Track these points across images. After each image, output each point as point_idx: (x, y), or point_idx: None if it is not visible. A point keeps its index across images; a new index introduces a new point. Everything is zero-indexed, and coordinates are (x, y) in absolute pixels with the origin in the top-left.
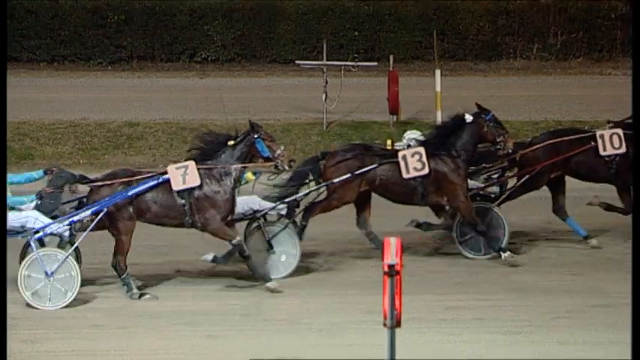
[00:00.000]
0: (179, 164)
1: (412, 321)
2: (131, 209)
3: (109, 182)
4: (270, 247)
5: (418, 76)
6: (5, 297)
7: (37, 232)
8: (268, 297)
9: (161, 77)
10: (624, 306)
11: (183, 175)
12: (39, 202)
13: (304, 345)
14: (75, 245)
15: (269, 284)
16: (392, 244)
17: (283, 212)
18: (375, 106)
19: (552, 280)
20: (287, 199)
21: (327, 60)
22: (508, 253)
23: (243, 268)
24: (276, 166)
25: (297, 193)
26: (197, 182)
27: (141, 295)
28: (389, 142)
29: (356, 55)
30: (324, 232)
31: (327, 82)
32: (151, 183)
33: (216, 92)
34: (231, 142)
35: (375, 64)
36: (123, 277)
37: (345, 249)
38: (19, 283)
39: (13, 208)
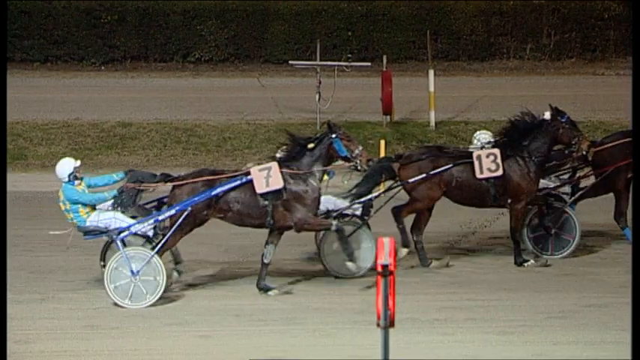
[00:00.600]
0: (262, 166)
1: (406, 321)
2: (206, 212)
3: (192, 181)
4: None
5: (412, 76)
6: (5, 297)
7: (121, 232)
8: (262, 297)
9: (154, 77)
10: (617, 306)
11: (267, 178)
12: (117, 194)
13: (298, 345)
14: (160, 245)
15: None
16: (385, 245)
17: (358, 212)
18: (369, 106)
19: (545, 279)
20: (362, 199)
21: (321, 60)
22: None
23: (235, 269)
24: (354, 166)
25: (370, 193)
26: (280, 185)
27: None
28: (382, 142)
29: (349, 56)
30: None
31: (320, 83)
32: (234, 183)
33: (210, 92)
34: (310, 145)
35: (369, 64)
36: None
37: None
38: (106, 274)
39: (94, 208)
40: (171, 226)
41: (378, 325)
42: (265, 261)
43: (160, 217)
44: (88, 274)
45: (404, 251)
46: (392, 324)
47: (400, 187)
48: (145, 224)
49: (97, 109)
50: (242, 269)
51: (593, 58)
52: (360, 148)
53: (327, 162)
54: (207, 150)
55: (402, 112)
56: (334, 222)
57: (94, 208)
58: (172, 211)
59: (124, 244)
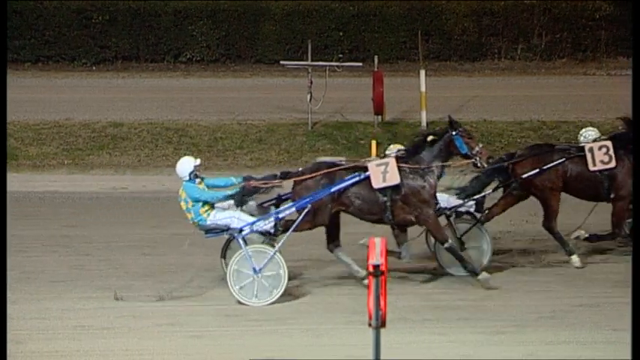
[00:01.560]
0: (380, 161)
1: (397, 321)
2: (330, 206)
3: (312, 175)
4: (462, 243)
5: (403, 76)
6: (5, 297)
7: (242, 230)
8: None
9: (146, 77)
10: (609, 305)
11: (384, 173)
12: (239, 192)
13: (290, 345)
14: (282, 242)
15: (480, 277)
16: (377, 245)
17: (471, 209)
18: (360, 107)
19: (537, 280)
20: (476, 196)
21: (312, 60)
22: None
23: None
24: (474, 164)
25: (482, 191)
26: (397, 181)
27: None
28: (373, 143)
29: (341, 56)
30: (309, 233)
31: (311, 83)
32: (353, 179)
33: (201, 92)
34: (430, 138)
35: (360, 64)
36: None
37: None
38: (228, 275)
39: (213, 207)
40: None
41: (370, 325)
42: (404, 260)
43: (280, 215)
44: (79, 274)
45: (575, 259)
46: (383, 324)
47: (515, 184)
48: (266, 221)
49: (89, 110)
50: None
51: (584, 58)
52: (480, 145)
53: (447, 158)
54: (198, 150)
55: (394, 112)
56: (450, 241)
57: (212, 207)
58: (292, 209)
59: (245, 242)
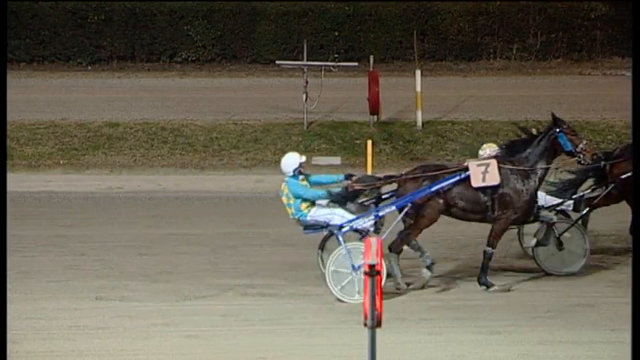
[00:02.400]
0: (481, 161)
1: (393, 321)
2: (441, 200)
3: (415, 176)
4: (560, 243)
5: (398, 76)
6: (5, 297)
7: (342, 226)
8: (248, 297)
9: (141, 77)
10: (605, 305)
11: (484, 173)
12: (342, 192)
13: (285, 345)
14: (383, 238)
15: (492, 288)
16: (372, 245)
17: (569, 209)
18: (356, 106)
19: (532, 279)
20: (574, 195)
21: (308, 60)
22: None
23: (222, 269)
24: (578, 161)
25: (577, 190)
26: (496, 181)
27: (431, 264)
28: (369, 143)
29: (336, 56)
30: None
31: (307, 83)
32: (454, 179)
33: (197, 92)
34: (534, 134)
35: (356, 64)
36: (412, 244)
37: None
38: (327, 277)
39: (314, 204)
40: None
41: (365, 324)
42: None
43: (380, 213)
44: (75, 274)
45: None
46: (379, 324)
47: (612, 185)
48: (366, 220)
49: (84, 109)
50: (228, 269)
51: (579, 58)
52: (585, 142)
53: (551, 157)
54: (194, 150)
55: (389, 112)
56: (489, 249)
57: (313, 203)
58: (392, 207)
59: (344, 240)
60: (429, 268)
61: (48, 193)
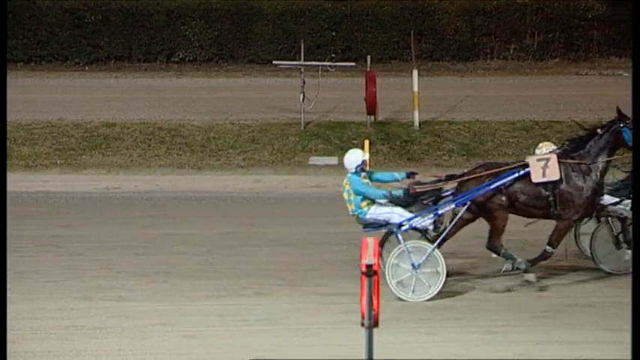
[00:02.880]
0: (541, 156)
1: (390, 321)
2: (503, 197)
3: (477, 175)
4: (618, 242)
5: (396, 76)
6: (5, 297)
7: (401, 225)
8: (245, 297)
9: (138, 77)
10: (601, 305)
11: (544, 168)
12: (402, 194)
13: (281, 345)
14: (440, 239)
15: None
16: (370, 245)
17: (627, 208)
18: (353, 106)
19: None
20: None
21: (305, 60)
22: None
23: (220, 269)
24: None
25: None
26: (556, 176)
27: (527, 269)
28: (366, 143)
29: (333, 56)
30: (299, 232)
31: (304, 83)
32: (514, 175)
33: (194, 92)
34: (599, 131)
35: (353, 64)
36: (502, 252)
37: (321, 249)
38: (386, 272)
39: (373, 202)
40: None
41: (363, 324)
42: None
43: (440, 211)
44: (72, 274)
45: None
46: (376, 324)
47: None
48: (425, 218)
49: (81, 109)
50: (225, 269)
51: (576, 58)
52: None
53: (613, 152)
54: (191, 150)
55: (386, 112)
56: (549, 248)
57: (373, 201)
58: (452, 205)
59: (404, 238)
60: (527, 271)
61: (45, 193)
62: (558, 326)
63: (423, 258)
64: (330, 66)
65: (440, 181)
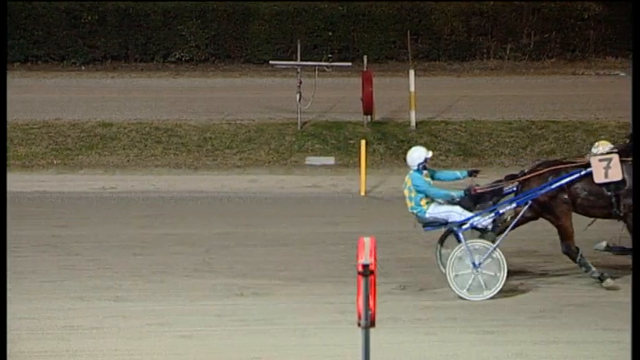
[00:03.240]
0: (603, 156)
1: (387, 321)
2: (566, 195)
3: (538, 174)
4: None
5: (392, 76)
6: (5, 297)
7: (462, 224)
8: (242, 297)
9: (135, 77)
10: (598, 305)
11: (606, 169)
12: (463, 195)
13: (279, 345)
14: (502, 238)
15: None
16: (366, 244)
17: None
18: (349, 106)
19: (526, 279)
20: None
21: (301, 60)
22: None
23: (217, 269)
24: None
25: None
26: (619, 177)
27: (602, 277)
28: (363, 142)
29: (330, 56)
30: (296, 232)
31: (301, 82)
32: (576, 175)
33: (190, 92)
34: None
35: (349, 64)
36: (578, 259)
37: (318, 249)
38: (447, 273)
39: (432, 200)
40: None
41: (359, 324)
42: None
43: (501, 210)
44: (69, 274)
45: None
46: (373, 324)
47: None
48: (486, 217)
49: (78, 109)
50: (222, 269)
51: (572, 58)
52: None
53: None
54: (187, 150)
55: (383, 112)
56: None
57: (433, 200)
58: (514, 204)
59: (464, 237)
60: (601, 278)
61: (41, 193)
62: (556, 326)
63: (484, 257)
64: (326, 66)
65: (500, 182)
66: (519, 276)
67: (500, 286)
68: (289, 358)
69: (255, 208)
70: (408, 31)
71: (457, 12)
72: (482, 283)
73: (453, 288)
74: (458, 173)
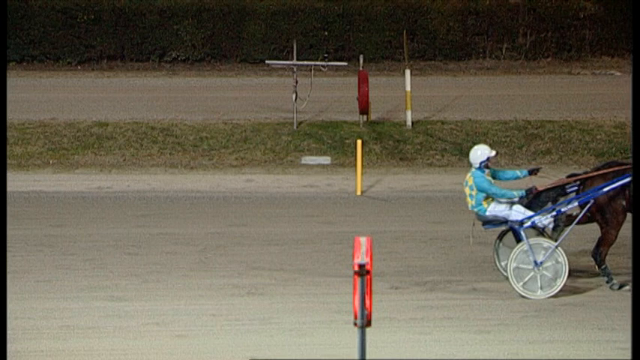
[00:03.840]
0: None
1: (382, 320)
2: (624, 202)
3: (600, 173)
4: None
5: (388, 75)
6: (5, 297)
7: (522, 222)
8: (238, 297)
9: (131, 77)
10: (592, 305)
11: None
12: (524, 195)
13: (274, 344)
14: (564, 236)
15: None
16: (362, 244)
17: None
18: (345, 106)
19: None
20: None
21: (297, 60)
22: None
23: (212, 268)
24: None
25: None
26: None
27: (621, 286)
28: (359, 142)
29: (326, 55)
30: (291, 232)
31: (297, 82)
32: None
33: (186, 92)
34: None
35: (345, 63)
36: (602, 267)
37: (314, 249)
38: (509, 273)
39: (493, 200)
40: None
41: (355, 324)
42: None
43: (563, 209)
44: (64, 274)
45: None
46: (369, 323)
47: None
48: (547, 216)
49: (73, 109)
50: (218, 268)
51: (568, 57)
52: None
53: None
54: (183, 150)
55: (379, 111)
56: None
57: (493, 198)
58: (575, 203)
59: (526, 235)
60: (622, 287)
61: (37, 193)
62: (551, 325)
63: (546, 256)
64: (322, 65)
65: (562, 181)
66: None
67: (560, 287)
68: (285, 357)
69: (251, 208)
70: (404, 31)
71: (453, 12)
72: (539, 282)
73: (511, 280)
74: (518, 172)
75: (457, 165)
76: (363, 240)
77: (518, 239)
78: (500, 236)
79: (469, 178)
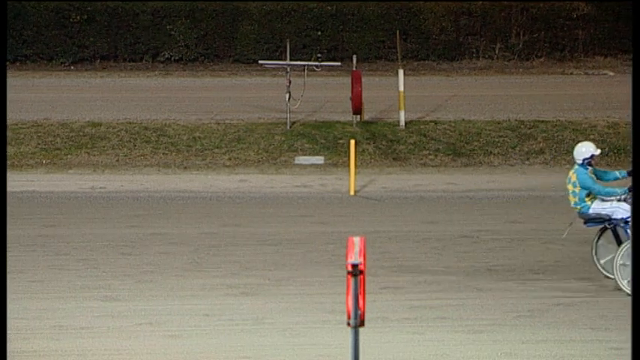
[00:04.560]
0: None
1: (376, 320)
2: None
3: None
4: None
5: (381, 75)
6: (5, 297)
7: (627, 221)
8: (231, 297)
9: (124, 77)
10: (586, 304)
11: None
12: (627, 192)
13: (267, 345)
14: None
15: None
16: (355, 244)
17: None
18: (339, 106)
19: (514, 279)
20: None
21: (291, 60)
22: None
23: (207, 269)
24: None
25: None
26: None
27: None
28: (352, 142)
29: (319, 55)
30: (284, 232)
31: (290, 82)
32: None
33: (180, 92)
34: None
35: (339, 63)
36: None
37: (307, 249)
38: (615, 271)
39: (596, 198)
40: None
41: (349, 324)
42: None
43: None
44: (58, 274)
45: None
46: (362, 323)
47: None
48: None
49: (67, 109)
50: (211, 268)
51: (561, 57)
52: None
53: None
54: (177, 150)
55: (372, 111)
56: None
57: (595, 196)
58: None
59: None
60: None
61: (30, 193)
62: (543, 325)
63: None
64: (315, 66)
65: None
66: (507, 275)
67: None
68: (278, 357)
69: (245, 208)
70: (397, 31)
71: (446, 12)
72: None
73: (616, 276)
74: (617, 173)
75: (450, 165)
76: (356, 240)
77: (618, 238)
78: (599, 234)
79: (572, 174)
